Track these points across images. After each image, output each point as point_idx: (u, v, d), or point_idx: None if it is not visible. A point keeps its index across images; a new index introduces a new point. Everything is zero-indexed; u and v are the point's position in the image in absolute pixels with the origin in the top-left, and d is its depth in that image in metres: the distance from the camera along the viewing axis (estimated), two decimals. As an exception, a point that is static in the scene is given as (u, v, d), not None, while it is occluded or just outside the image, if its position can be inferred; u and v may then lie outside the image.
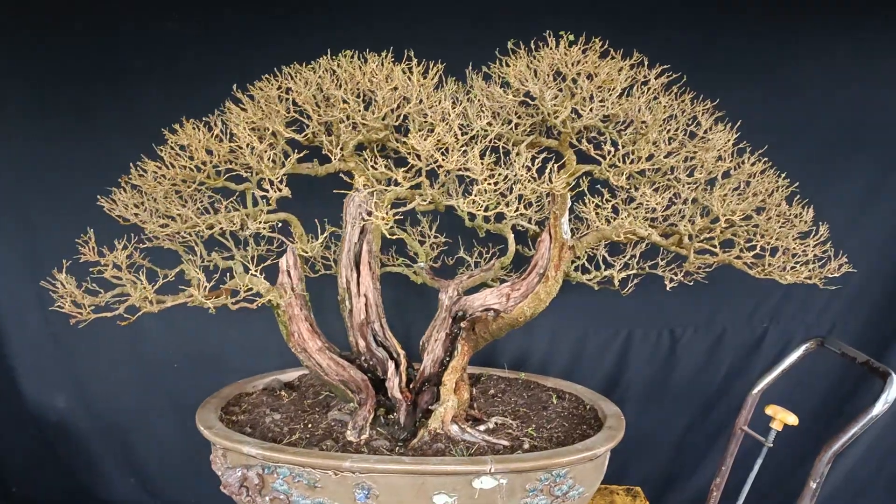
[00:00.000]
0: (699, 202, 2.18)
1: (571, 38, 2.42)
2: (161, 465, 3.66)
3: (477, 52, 2.54)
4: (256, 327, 3.47)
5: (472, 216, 2.89)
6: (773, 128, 2.96)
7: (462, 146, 2.08)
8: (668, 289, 2.81)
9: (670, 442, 3.59)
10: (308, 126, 2.38)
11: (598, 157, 2.24)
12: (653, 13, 3.21)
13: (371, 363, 2.51)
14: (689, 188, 2.24)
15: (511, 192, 2.13)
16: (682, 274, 2.77)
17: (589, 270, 2.80)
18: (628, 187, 2.17)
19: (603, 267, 2.85)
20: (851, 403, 3.38)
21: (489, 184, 2.08)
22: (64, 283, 2.21)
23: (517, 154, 2.19)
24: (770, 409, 2.58)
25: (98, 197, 2.29)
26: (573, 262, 2.67)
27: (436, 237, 2.97)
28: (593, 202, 2.14)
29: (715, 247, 2.25)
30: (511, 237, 2.58)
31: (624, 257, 2.86)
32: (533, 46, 2.46)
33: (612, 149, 2.16)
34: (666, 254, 2.81)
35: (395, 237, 2.20)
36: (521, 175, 2.09)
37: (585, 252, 2.62)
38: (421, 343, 2.56)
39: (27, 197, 3.44)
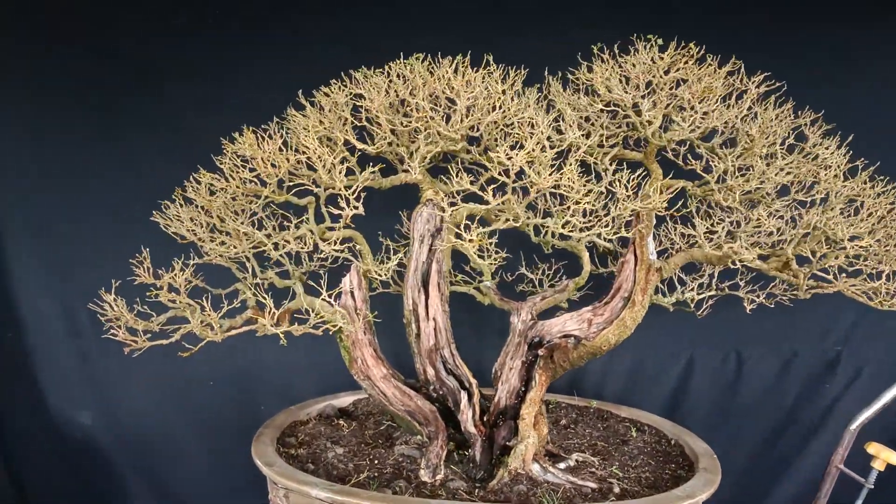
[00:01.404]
0: (813, 224, 1.97)
1: (660, 42, 2.23)
2: (189, 487, 3.47)
3: (549, 59, 2.35)
4: (292, 343, 3.27)
5: (539, 232, 2.71)
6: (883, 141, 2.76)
7: (555, 160, 1.88)
8: (747, 311, 2.62)
9: (734, 471, 3.37)
10: (374, 136, 2.19)
11: (699, 173, 2.04)
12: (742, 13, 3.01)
13: (441, 392, 2.31)
14: (793, 208, 2.04)
15: (607, 212, 1.93)
16: (765, 296, 2.59)
17: (665, 292, 2.61)
18: (736, 207, 1.97)
19: (679, 288, 2.66)
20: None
21: (586, 202, 1.88)
22: (113, 305, 2.02)
23: (609, 169, 1.99)
24: (872, 448, 2.38)
25: (153, 212, 2.09)
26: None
27: (496, 252, 2.77)
28: (704, 224, 1.93)
29: (828, 273, 2.04)
30: (586, 256, 2.38)
31: (700, 277, 2.67)
32: (617, 52, 2.27)
33: (720, 164, 1.95)
34: (745, 274, 2.62)
35: (484, 260, 1.99)
36: (621, 193, 1.89)
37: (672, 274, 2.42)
38: (493, 371, 2.36)
39: (51, 207, 3.26)
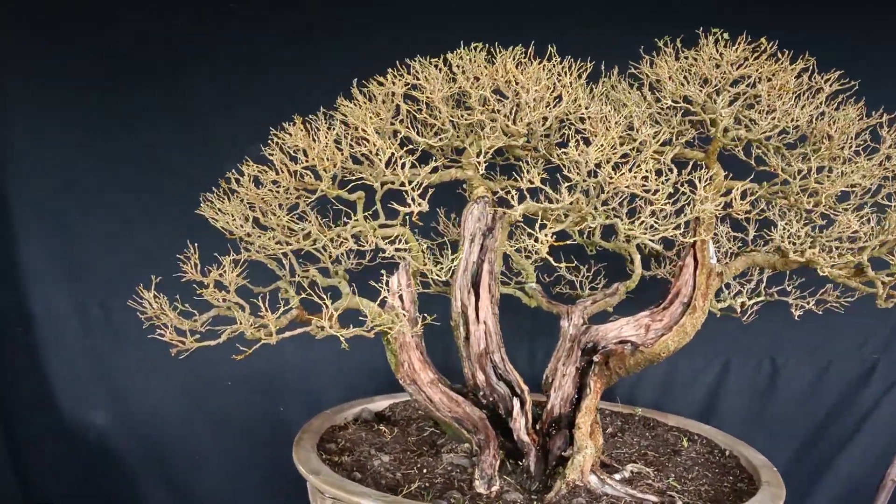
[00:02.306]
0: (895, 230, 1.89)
1: (727, 36, 2.14)
2: (207, 490, 3.36)
3: (611, 52, 2.25)
4: (312, 342, 3.16)
5: (582, 231, 2.61)
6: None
7: (632, 158, 1.78)
8: (795, 318, 2.53)
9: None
10: (429, 129, 2.08)
11: (775, 172, 1.95)
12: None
13: (491, 399, 2.21)
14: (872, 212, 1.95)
15: (683, 214, 1.84)
16: (815, 302, 2.51)
17: (722, 297, 2.53)
18: (822, 210, 1.88)
19: (726, 292, 2.57)
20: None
21: (662, 203, 1.79)
22: (152, 303, 1.90)
23: (674, 169, 1.90)
24: (933, 461, 2.30)
25: (201, 203, 1.97)
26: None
27: (536, 252, 2.67)
28: (787, 229, 1.84)
29: (904, 280, 1.96)
30: (638, 258, 2.29)
31: (749, 282, 2.58)
32: (680, 46, 2.18)
33: (801, 166, 1.86)
34: (794, 279, 2.54)
35: (560, 265, 1.89)
36: (699, 194, 1.79)
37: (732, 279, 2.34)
38: (545, 377, 2.26)
39: (63, 202, 3.14)
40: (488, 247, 2.23)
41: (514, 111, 1.96)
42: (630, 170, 1.76)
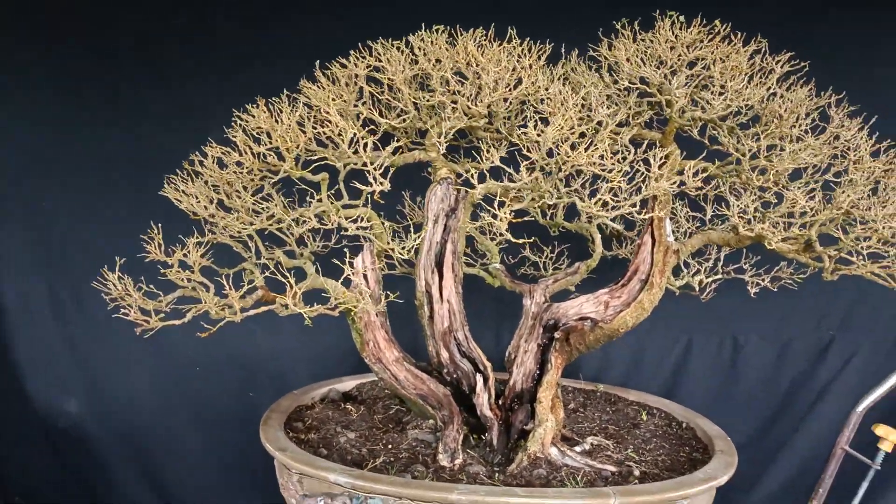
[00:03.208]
0: (842, 205, 1.95)
1: (682, 19, 2.19)
2: (182, 476, 3.38)
3: (570, 34, 2.30)
4: (282, 326, 3.18)
5: (544, 213, 2.67)
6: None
7: (589, 138, 1.83)
8: (752, 295, 2.61)
9: (731, 455, 3.40)
10: (391, 110, 2.11)
11: (733, 153, 2.01)
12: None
13: (455, 376, 2.26)
14: (847, 192, 2.01)
15: (638, 191, 1.89)
16: (770, 279, 2.58)
17: (679, 273, 2.59)
18: (772, 187, 1.94)
19: (685, 271, 2.63)
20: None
21: (617, 180, 1.84)
22: (117, 284, 1.92)
23: (631, 149, 1.95)
24: (881, 429, 2.39)
25: (164, 186, 1.99)
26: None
27: (501, 234, 2.71)
28: (738, 205, 1.90)
29: (851, 255, 2.03)
30: (598, 237, 2.35)
31: (706, 260, 2.65)
32: (638, 28, 2.23)
33: (752, 144, 1.92)
34: (750, 257, 2.61)
35: (519, 241, 1.94)
36: (653, 172, 1.84)
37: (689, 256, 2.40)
38: (507, 354, 2.31)
39: (38, 186, 3.13)
40: (451, 227, 2.27)
41: (474, 93, 1.99)
42: (586, 149, 1.80)
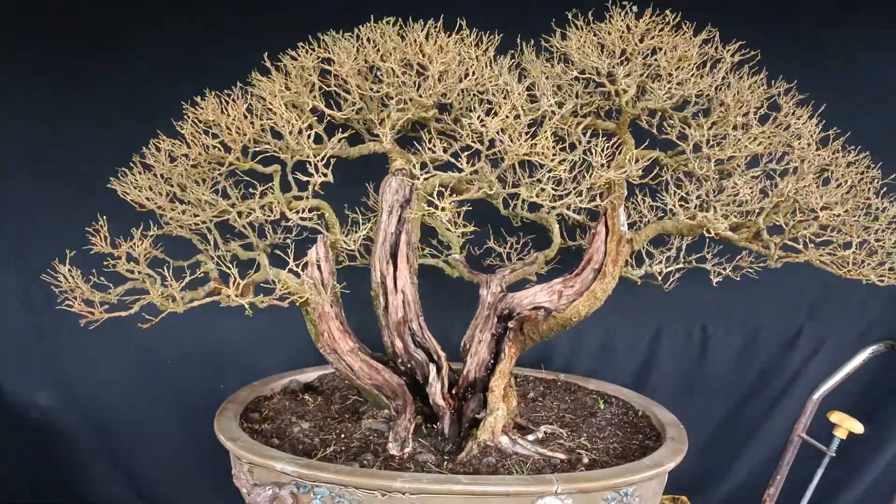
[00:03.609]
0: (785, 193, 1.96)
1: (635, 8, 2.20)
2: (154, 468, 3.39)
3: (523, 25, 2.30)
4: (256, 319, 3.19)
5: (508, 204, 2.67)
6: (853, 110, 2.77)
7: (530, 128, 1.84)
8: (714, 284, 2.62)
9: (700, 445, 3.40)
10: (343, 102, 2.12)
11: (676, 142, 2.02)
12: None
13: (409, 366, 2.27)
14: (765, 178, 2.03)
15: (580, 181, 1.90)
16: (731, 268, 2.59)
17: (633, 264, 2.60)
18: (712, 176, 1.95)
19: (647, 260, 2.64)
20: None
21: (560, 171, 1.85)
22: (67, 276, 1.93)
23: (582, 139, 1.96)
24: (835, 417, 2.41)
25: (111, 179, 2.00)
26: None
27: (465, 225, 2.73)
28: (678, 193, 1.91)
29: (797, 242, 2.04)
30: (556, 228, 2.36)
31: (668, 250, 2.66)
32: (591, 19, 2.23)
33: (695, 133, 1.93)
34: (712, 246, 2.62)
35: (458, 230, 1.95)
36: (596, 161, 1.85)
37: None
38: (462, 343, 2.33)
39: (9, 178, 3.12)
40: (406, 218, 2.28)
41: (419, 84, 2.00)
42: (531, 138, 1.81)
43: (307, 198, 1.96)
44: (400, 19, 2.15)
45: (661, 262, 2.60)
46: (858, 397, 3.17)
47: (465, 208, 1.95)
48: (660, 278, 2.63)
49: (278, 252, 2.24)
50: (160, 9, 3.04)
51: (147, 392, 3.33)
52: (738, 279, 2.60)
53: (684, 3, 2.20)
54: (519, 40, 2.30)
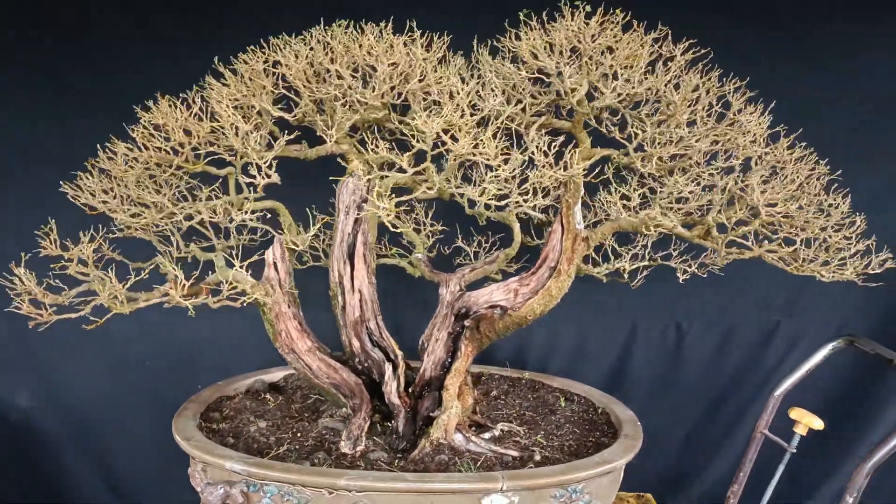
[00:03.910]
0: (732, 191, 1.97)
1: (588, 8, 2.20)
2: (134, 469, 3.41)
3: (482, 25, 2.31)
4: (236, 321, 3.22)
5: (473, 203, 2.68)
6: (805, 108, 2.78)
7: (473, 128, 1.85)
8: (680, 281, 2.62)
9: (676, 442, 3.42)
10: (298, 104, 2.14)
11: (621, 141, 2.03)
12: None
13: (366, 365, 2.29)
14: (721, 175, 2.03)
15: (526, 180, 1.91)
16: (697, 266, 2.59)
17: (598, 262, 2.61)
18: (657, 174, 1.96)
19: (612, 258, 2.65)
20: (866, 405, 3.22)
21: (504, 170, 1.86)
22: (22, 278, 1.96)
23: (530, 138, 1.97)
24: (795, 413, 2.41)
25: (61, 182, 2.03)
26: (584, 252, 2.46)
27: (432, 225, 2.75)
28: (619, 191, 1.92)
29: (746, 239, 2.05)
30: (516, 227, 2.37)
31: (634, 247, 2.66)
32: (545, 18, 2.24)
33: (640, 132, 1.94)
34: (679, 244, 2.62)
35: (397, 229, 1.97)
36: (539, 160, 1.87)
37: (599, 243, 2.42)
38: (420, 342, 2.34)
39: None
40: (363, 218, 2.30)
41: (363, 85, 2.02)
42: (467, 139, 1.82)
43: (250, 200, 1.98)
44: (353, 22, 2.17)
45: (625, 259, 2.62)
46: (830, 393, 3.18)
47: (403, 207, 1.96)
48: (626, 276, 2.65)
49: (247, 257, 2.30)
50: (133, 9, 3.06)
51: (126, 393, 3.34)
52: (713, 276, 2.61)
53: (641, 3, 2.21)
54: (476, 41, 2.32)
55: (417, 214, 2.71)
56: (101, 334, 3.19)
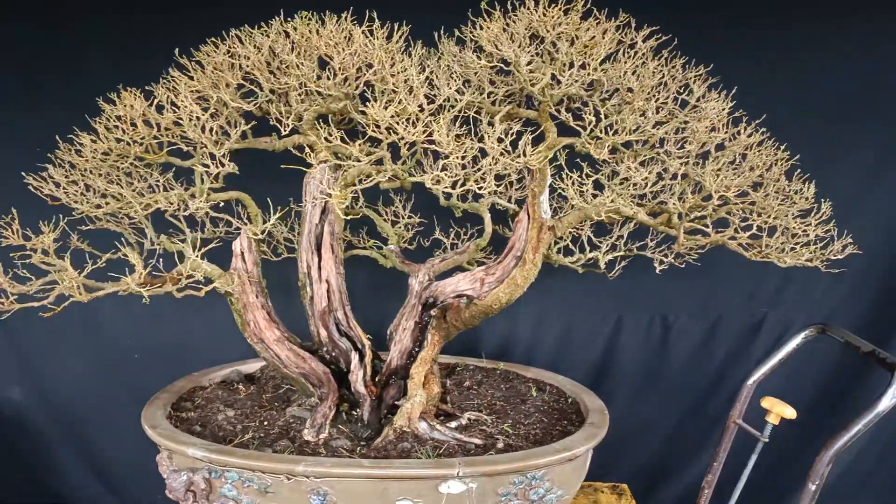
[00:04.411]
0: (690, 177, 1.96)
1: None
2: (122, 461, 3.45)
3: (451, 15, 2.32)
4: (222, 313, 3.24)
5: (448, 195, 2.69)
6: (772, 96, 2.76)
7: (427, 117, 1.86)
8: (657, 271, 2.61)
9: (662, 435, 3.40)
10: (259, 95, 2.16)
11: (577, 129, 2.03)
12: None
13: (333, 354, 2.31)
14: (678, 162, 2.02)
15: (480, 168, 1.91)
16: (673, 256, 2.58)
17: (573, 252, 2.61)
18: (612, 161, 1.96)
19: (588, 249, 2.65)
20: (850, 396, 3.19)
21: (456, 157, 1.87)
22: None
23: (490, 126, 1.98)
24: (766, 402, 2.39)
25: (23, 174, 2.07)
26: (555, 243, 2.47)
27: (410, 217, 2.76)
28: (571, 178, 1.92)
29: (707, 226, 2.04)
30: (487, 217, 2.39)
31: (610, 238, 2.66)
32: (509, 7, 2.24)
33: (594, 119, 1.93)
34: (655, 234, 2.61)
35: (350, 217, 1.99)
36: (493, 148, 1.87)
37: (568, 233, 2.42)
38: (388, 332, 2.36)
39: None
40: (330, 209, 2.31)
41: (318, 75, 2.04)
42: (420, 128, 1.83)
43: (206, 190, 2.00)
44: (314, 13, 2.18)
45: (600, 250, 2.61)
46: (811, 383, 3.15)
47: (359, 195, 1.97)
48: (603, 267, 2.64)
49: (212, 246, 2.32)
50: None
51: (115, 385, 3.39)
52: (700, 268, 2.60)
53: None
54: (442, 31, 2.32)
55: (396, 208, 2.73)
56: (90, 328, 3.30)
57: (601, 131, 1.93)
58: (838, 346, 2.55)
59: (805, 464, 3.17)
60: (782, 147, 2.11)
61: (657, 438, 3.41)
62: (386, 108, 1.91)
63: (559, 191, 2.46)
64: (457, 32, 2.30)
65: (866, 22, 2.96)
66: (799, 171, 2.12)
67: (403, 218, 2.74)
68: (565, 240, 2.51)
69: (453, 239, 2.82)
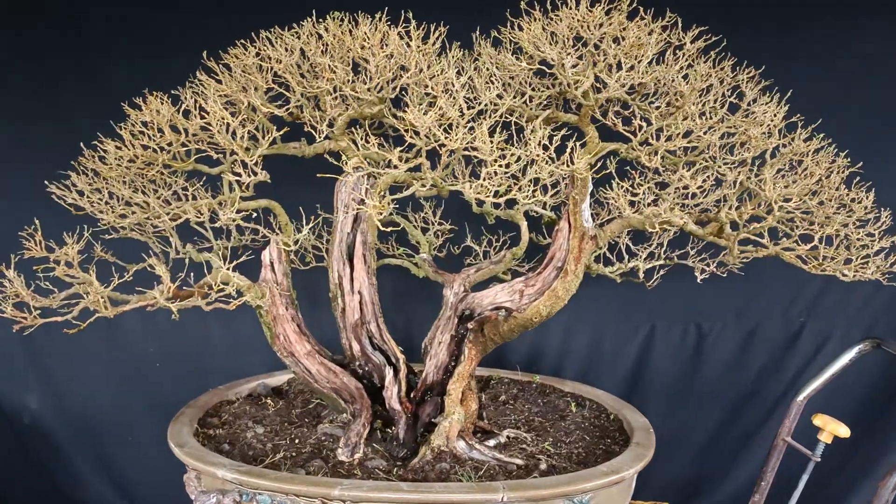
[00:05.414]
0: (744, 185, 1.86)
1: (593, -4, 2.11)
2: (140, 471, 3.38)
3: (485, 15, 2.22)
4: (244, 323, 3.17)
5: (481, 202, 2.60)
6: (825, 99, 2.65)
7: (468, 122, 1.77)
8: (699, 280, 2.52)
9: (696, 448, 3.29)
10: (290, 100, 2.07)
11: (626, 134, 1.93)
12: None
13: (366, 369, 2.22)
14: (732, 169, 1.92)
15: (524, 175, 1.82)
16: (716, 265, 2.49)
17: (611, 261, 2.51)
18: (662, 169, 1.86)
19: (627, 257, 2.55)
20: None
21: (500, 165, 1.77)
22: (12, 280, 1.92)
23: (532, 131, 1.88)
24: (818, 420, 2.28)
25: (46, 183, 1.98)
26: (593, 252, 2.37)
27: (440, 224, 2.67)
28: (623, 186, 1.82)
29: (761, 237, 1.94)
30: (524, 225, 2.29)
31: (649, 246, 2.56)
32: (549, 7, 2.15)
33: (643, 124, 1.83)
34: (696, 242, 2.52)
35: (390, 229, 1.89)
36: (538, 155, 1.77)
37: (608, 242, 2.32)
38: (423, 345, 2.26)
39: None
40: (362, 218, 2.22)
41: (354, 79, 1.95)
42: (462, 134, 1.73)
43: (237, 199, 1.91)
44: (348, 14, 2.09)
45: (640, 259, 2.52)
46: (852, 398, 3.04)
47: (397, 203, 1.88)
48: (642, 276, 2.55)
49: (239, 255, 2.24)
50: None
51: (134, 395, 3.32)
52: (736, 275, 2.51)
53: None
54: (478, 33, 2.23)
55: (426, 214, 2.64)
56: (112, 336, 3.23)
57: (652, 137, 1.83)
58: (882, 357, 2.46)
59: (850, 480, 3.14)
60: (843, 154, 2.00)
61: (692, 451, 3.30)
62: (425, 112, 1.82)
63: (598, 198, 2.39)
64: (493, 34, 2.22)
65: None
66: (859, 178, 2.01)
67: (434, 224, 2.65)
68: (603, 248, 2.41)
69: (485, 246, 2.73)
